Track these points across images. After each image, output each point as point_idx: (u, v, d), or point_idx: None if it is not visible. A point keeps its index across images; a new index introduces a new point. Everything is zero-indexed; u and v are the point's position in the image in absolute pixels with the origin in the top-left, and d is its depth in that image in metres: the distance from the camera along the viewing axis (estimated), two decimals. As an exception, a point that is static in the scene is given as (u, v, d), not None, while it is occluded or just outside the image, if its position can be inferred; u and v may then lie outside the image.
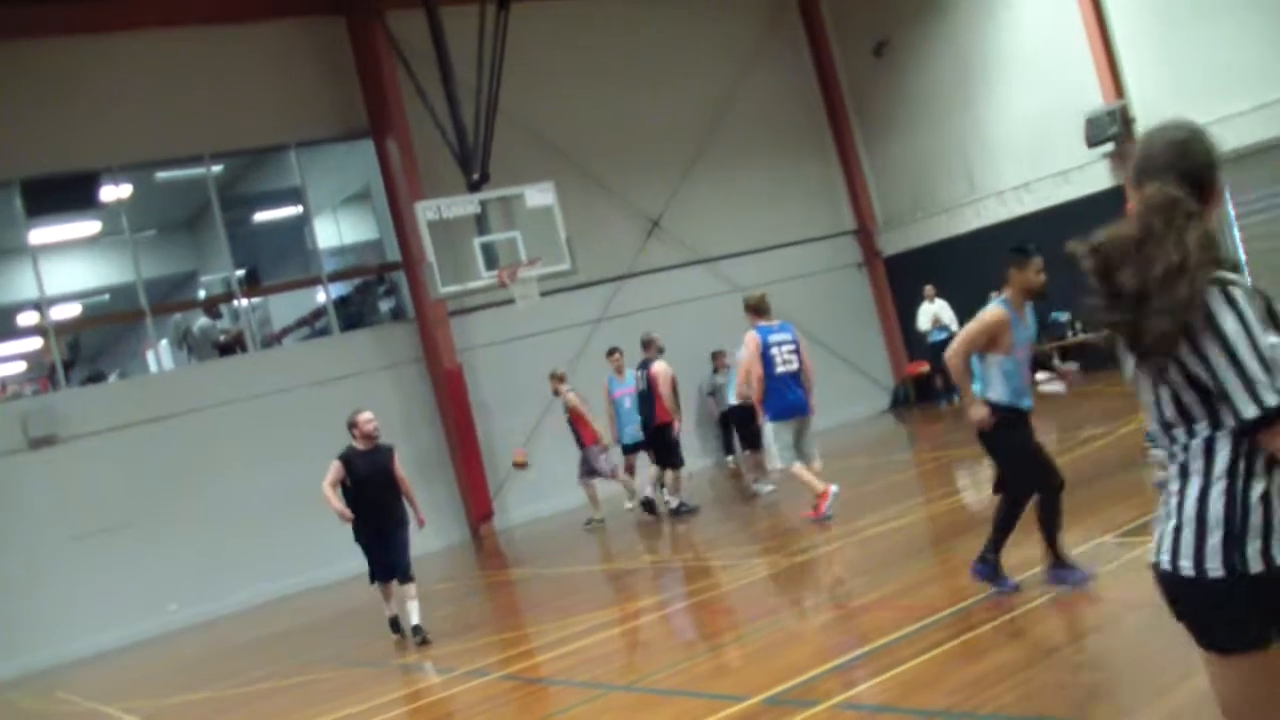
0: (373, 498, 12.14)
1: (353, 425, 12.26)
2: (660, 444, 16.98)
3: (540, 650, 10.87)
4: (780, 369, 13.42)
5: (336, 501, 12.11)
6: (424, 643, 11.78)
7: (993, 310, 8.33)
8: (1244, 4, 20.07)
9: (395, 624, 12.64)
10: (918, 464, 18.33)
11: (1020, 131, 24.07)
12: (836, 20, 27.37)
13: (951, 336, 24.44)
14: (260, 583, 18.97)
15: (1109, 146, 22.16)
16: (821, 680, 7.39)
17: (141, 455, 18.78)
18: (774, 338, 13.53)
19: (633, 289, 23.63)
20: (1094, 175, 22.59)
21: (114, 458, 18.61)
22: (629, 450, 18.20)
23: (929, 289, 24.55)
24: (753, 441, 18.39)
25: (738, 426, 20.27)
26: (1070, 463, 13.37)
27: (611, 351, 18.26)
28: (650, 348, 17.30)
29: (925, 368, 26.05)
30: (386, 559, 12.31)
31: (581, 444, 18.16)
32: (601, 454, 18.16)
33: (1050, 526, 8.28)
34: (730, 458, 22.47)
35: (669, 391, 16.88)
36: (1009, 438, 8.37)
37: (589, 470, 18.23)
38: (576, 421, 18.20)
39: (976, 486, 14.59)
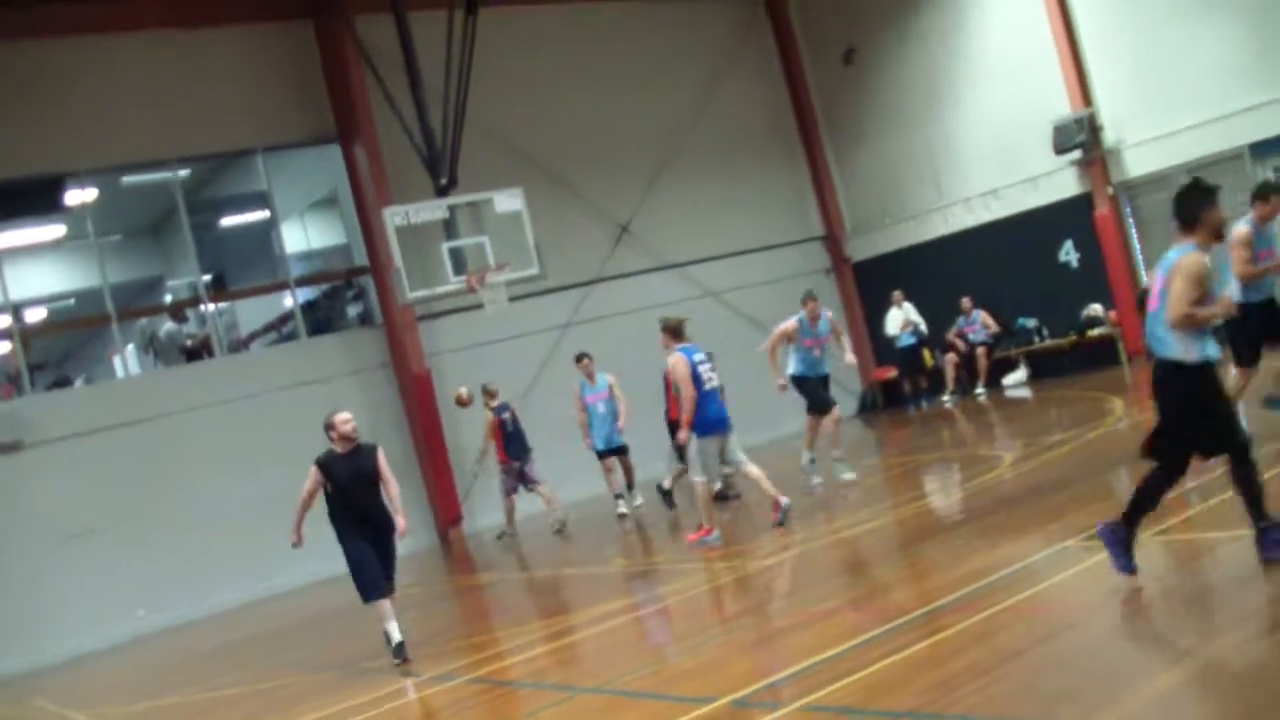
0: (357, 503, 11.22)
1: (330, 427, 11.32)
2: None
3: (509, 654, 10.84)
4: (707, 386, 13.62)
5: (298, 523, 11.53)
6: (405, 661, 10.96)
7: (1192, 258, 7.63)
8: (1212, 15, 20.24)
9: (400, 646, 11.28)
10: (885, 469, 18.36)
11: (988, 138, 24.20)
12: (806, 28, 27.45)
13: (923, 338, 24.74)
14: (229, 588, 18.91)
15: (1076, 154, 22.29)
16: (788, 683, 7.39)
17: (108, 461, 18.68)
18: (697, 356, 13.77)
19: (601, 294, 23.65)
20: (1061, 182, 22.75)
21: (80, 463, 18.50)
22: (604, 455, 18.14)
23: (897, 294, 24.66)
24: None
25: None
26: (1037, 468, 13.47)
27: (580, 357, 18.12)
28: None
29: (893, 373, 26.15)
30: (377, 572, 11.24)
31: (500, 461, 18.45)
32: (515, 472, 18.50)
33: (1251, 489, 7.56)
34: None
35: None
36: (1201, 394, 7.64)
37: (512, 486, 18.59)
38: (495, 440, 18.38)
39: (944, 491, 14.67)
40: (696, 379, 13.53)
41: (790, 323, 15.46)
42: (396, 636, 11.10)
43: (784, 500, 13.58)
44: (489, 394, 18.55)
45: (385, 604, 11.25)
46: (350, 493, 11.18)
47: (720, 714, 7.15)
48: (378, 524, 11.31)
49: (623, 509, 17.75)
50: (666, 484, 17.40)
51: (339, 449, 11.27)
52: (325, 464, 11.24)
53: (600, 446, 18.07)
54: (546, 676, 9.58)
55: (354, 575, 11.29)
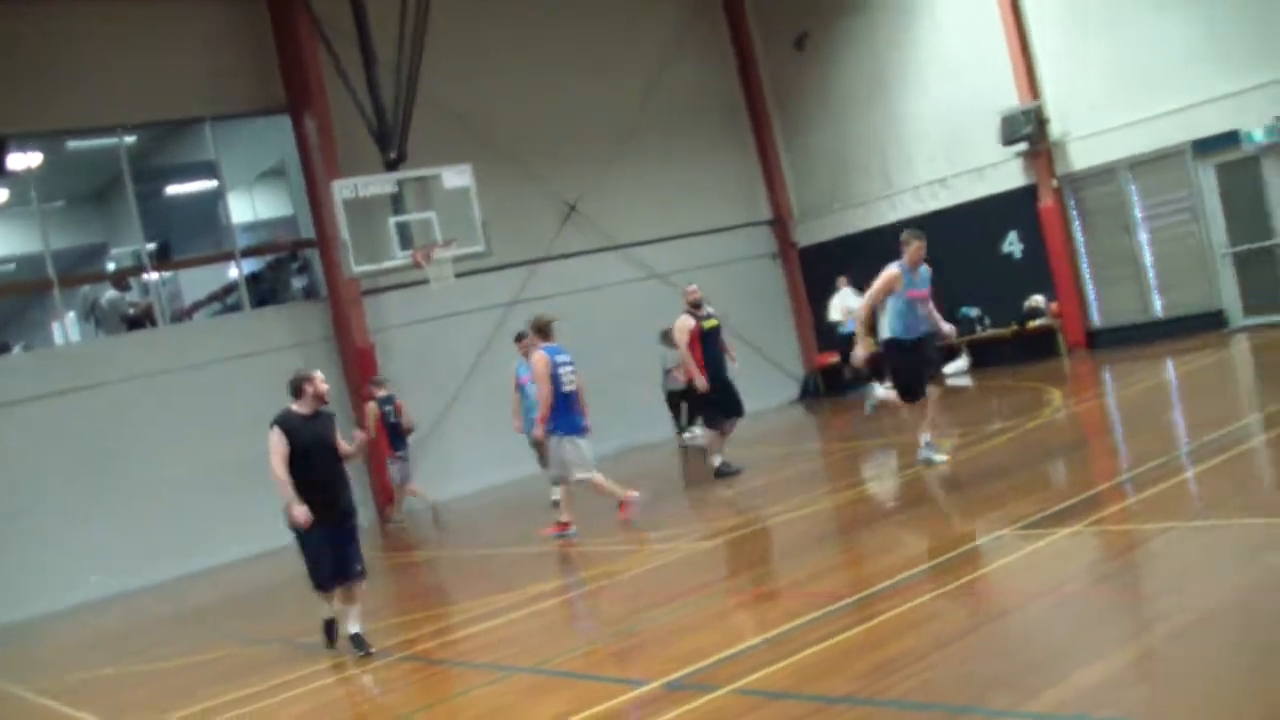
0: (320, 475, 9.98)
1: (305, 382, 10.07)
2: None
3: (444, 632, 10.86)
4: (565, 388, 13.89)
5: (291, 491, 9.78)
6: (366, 655, 9.99)
7: None
8: (1160, 13, 20.42)
9: (332, 629, 10.63)
10: (825, 454, 18.47)
11: (936, 128, 24.33)
12: (759, 12, 27.47)
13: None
14: (175, 556, 18.78)
15: (1023, 146, 22.45)
16: (723, 665, 7.43)
17: (48, 428, 18.51)
18: (560, 358, 13.99)
19: (548, 273, 23.62)
20: (1008, 173, 22.89)
21: (19, 430, 18.33)
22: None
23: (841, 280, 24.75)
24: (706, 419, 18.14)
25: (690, 405, 21.17)
26: (976, 456, 13.59)
27: (519, 336, 17.10)
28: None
29: (835, 358, 26.24)
30: (337, 554, 10.10)
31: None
32: (396, 464, 18.99)
33: None
34: (687, 435, 22.50)
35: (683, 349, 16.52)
36: None
37: (404, 474, 19.20)
38: (379, 431, 18.70)
39: (883, 477, 14.76)
40: (556, 380, 13.78)
41: (892, 269, 13.06)
42: (354, 627, 10.19)
43: (634, 495, 14.00)
44: (377, 384, 18.70)
45: (351, 589, 10.24)
46: (312, 461, 9.92)
47: (653, 696, 7.19)
48: (339, 498, 10.23)
49: (557, 495, 17.11)
50: (715, 463, 16.80)
51: (304, 410, 10.08)
52: (291, 426, 9.96)
53: (529, 430, 17.30)
54: (479, 656, 9.58)
55: (311, 561, 10.17)
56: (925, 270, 13.10)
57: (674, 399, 22.53)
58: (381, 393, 18.88)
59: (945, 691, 6.26)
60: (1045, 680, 6.03)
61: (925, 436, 13.25)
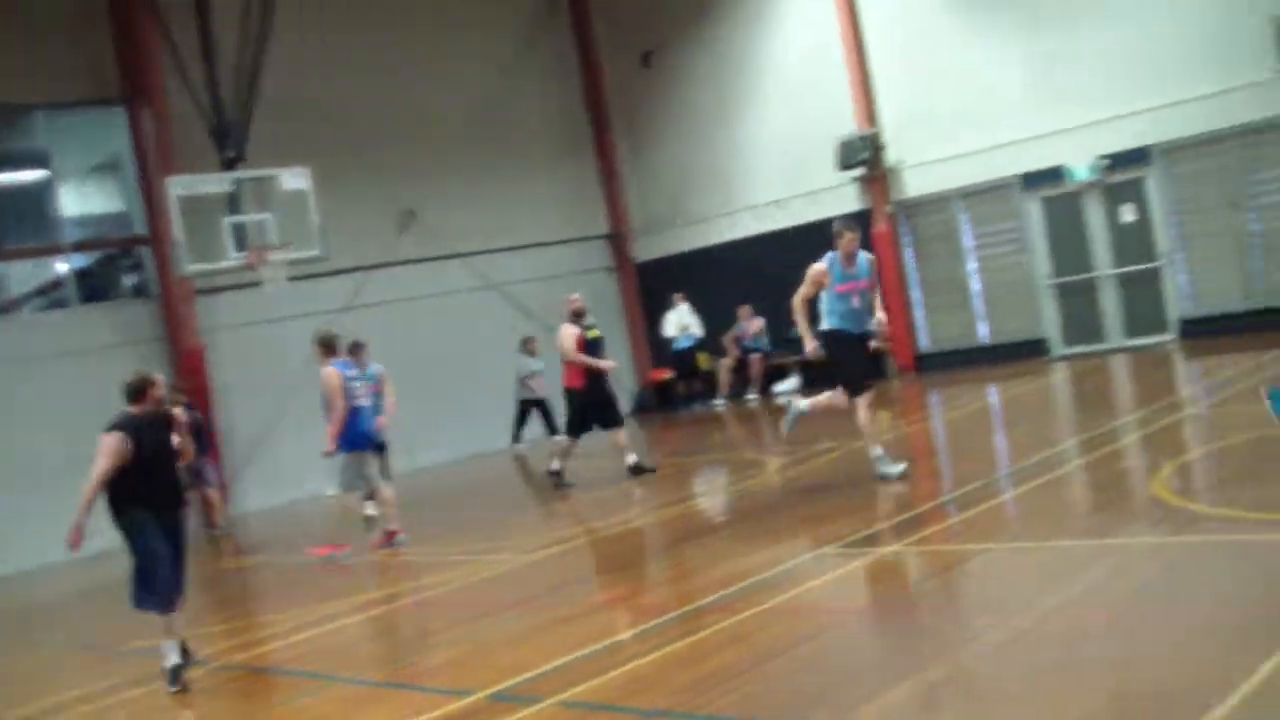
0: (159, 482, 9.26)
1: (150, 385, 9.22)
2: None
3: (265, 640, 10.70)
4: (357, 402, 13.98)
5: (83, 516, 8.83)
6: (184, 691, 9.06)
7: None
8: (992, 49, 21.08)
9: (179, 671, 9.21)
10: (657, 469, 18.57)
11: (777, 149, 24.68)
12: (607, 26, 27.56)
13: (699, 342, 25.00)
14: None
15: (859, 171, 22.90)
16: (546, 678, 7.46)
17: None
18: (351, 372, 14.11)
19: (384, 279, 23.43)
20: (843, 197, 23.27)
21: None
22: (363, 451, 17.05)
23: (677, 297, 24.99)
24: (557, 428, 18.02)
25: (543, 414, 21.51)
26: (802, 474, 13.81)
27: (354, 347, 15.84)
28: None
29: (669, 374, 26.45)
30: (174, 578, 9.28)
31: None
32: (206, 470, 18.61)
33: None
34: (519, 445, 22.47)
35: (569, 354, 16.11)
36: None
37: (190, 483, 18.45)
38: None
39: (711, 493, 14.94)
40: (348, 393, 13.83)
41: (818, 264, 12.42)
42: (174, 658, 9.17)
43: (400, 536, 14.02)
44: (177, 390, 18.35)
45: (174, 617, 9.26)
46: (153, 468, 9.14)
47: (477, 707, 7.21)
48: (175, 510, 9.48)
49: (370, 510, 15.50)
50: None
51: (142, 414, 9.20)
52: (132, 432, 9.04)
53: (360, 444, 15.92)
54: (301, 665, 9.46)
55: (143, 579, 9.17)
56: (864, 260, 12.33)
57: (525, 407, 22.37)
58: (184, 399, 18.32)
59: (764, 706, 6.37)
60: (861, 696, 6.16)
61: (877, 450, 12.22)
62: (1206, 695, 5.25)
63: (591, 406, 15.96)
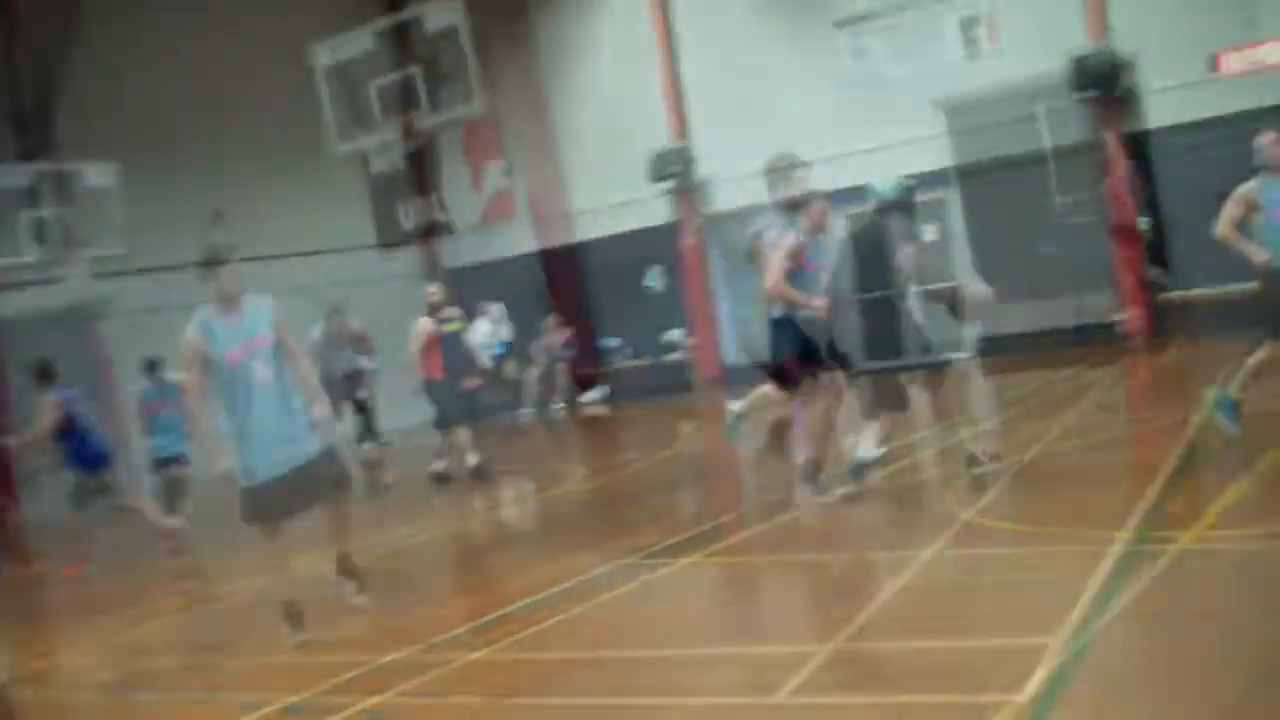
0: None
1: None
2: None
3: (54, 651, 10.35)
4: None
5: None
6: None
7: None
8: (800, 70, 21.46)
9: None
10: (456, 479, 18.43)
11: (592, 159, 24.71)
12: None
13: (508, 350, 24.89)
14: None
15: (670, 183, 23.08)
16: (347, 686, 7.33)
17: None
18: (71, 393, 13.68)
19: (191, 280, 22.79)
20: (654, 209, 23.43)
21: None
22: (164, 464, 15.73)
23: (489, 303, 24.88)
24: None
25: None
26: (608, 484, 13.85)
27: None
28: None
29: (478, 382, 26.23)
30: None
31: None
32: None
33: None
34: (367, 445, 21.67)
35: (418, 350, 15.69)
36: None
37: None
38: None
39: (514, 503, 14.88)
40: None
41: (793, 236, 11.08)
42: None
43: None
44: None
45: None
46: None
47: (273, 718, 7.03)
48: None
49: (173, 521, 14.73)
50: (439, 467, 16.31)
51: None
52: None
53: (160, 454, 15.58)
54: (89, 676, 9.17)
55: None
56: (823, 241, 11.17)
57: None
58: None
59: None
60: (665, 703, 6.19)
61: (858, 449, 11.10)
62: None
63: (455, 400, 15.72)
